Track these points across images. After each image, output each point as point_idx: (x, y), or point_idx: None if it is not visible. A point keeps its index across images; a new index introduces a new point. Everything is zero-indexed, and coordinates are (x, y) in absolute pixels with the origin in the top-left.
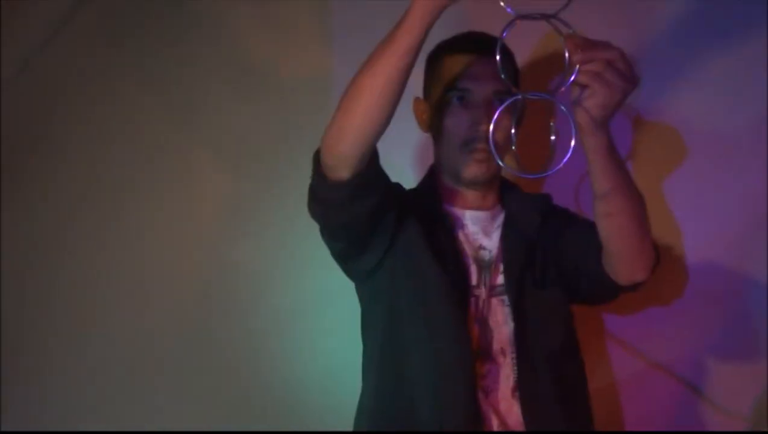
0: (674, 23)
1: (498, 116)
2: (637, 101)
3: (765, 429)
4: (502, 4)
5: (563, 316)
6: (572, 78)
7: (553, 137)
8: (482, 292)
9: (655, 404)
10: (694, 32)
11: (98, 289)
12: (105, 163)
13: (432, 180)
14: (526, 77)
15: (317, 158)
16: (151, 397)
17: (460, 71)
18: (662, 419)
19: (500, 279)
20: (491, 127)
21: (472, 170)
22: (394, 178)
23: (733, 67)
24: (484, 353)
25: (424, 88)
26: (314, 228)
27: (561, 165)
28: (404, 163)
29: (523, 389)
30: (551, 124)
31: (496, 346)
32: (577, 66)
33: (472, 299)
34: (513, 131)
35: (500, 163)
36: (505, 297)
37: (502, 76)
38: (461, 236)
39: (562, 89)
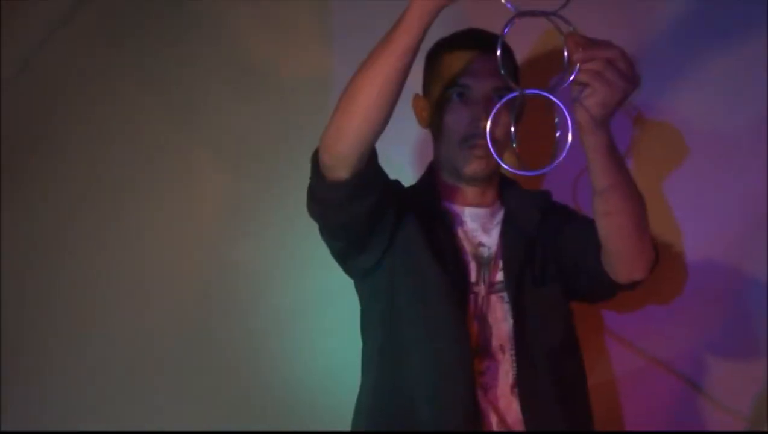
0: (674, 23)
1: (497, 112)
2: (637, 100)
3: (764, 427)
4: (503, 0)
5: (562, 313)
6: (572, 76)
7: (558, 133)
8: (481, 289)
9: (655, 401)
10: (694, 32)
11: (98, 289)
12: (105, 163)
13: (431, 177)
14: (525, 75)
15: (316, 158)
16: (150, 397)
17: (460, 68)
18: (661, 415)
19: (499, 276)
20: (489, 123)
21: (472, 166)
22: (393, 175)
23: (733, 67)
24: (483, 350)
25: (423, 85)
26: (314, 227)
27: (557, 163)
28: (403, 160)
29: (522, 386)
30: (555, 121)
31: (495, 343)
32: (578, 64)
33: (471, 296)
34: (513, 129)
35: (498, 160)
36: (505, 294)
37: (502, 72)
38: (460, 233)
39: (562, 87)
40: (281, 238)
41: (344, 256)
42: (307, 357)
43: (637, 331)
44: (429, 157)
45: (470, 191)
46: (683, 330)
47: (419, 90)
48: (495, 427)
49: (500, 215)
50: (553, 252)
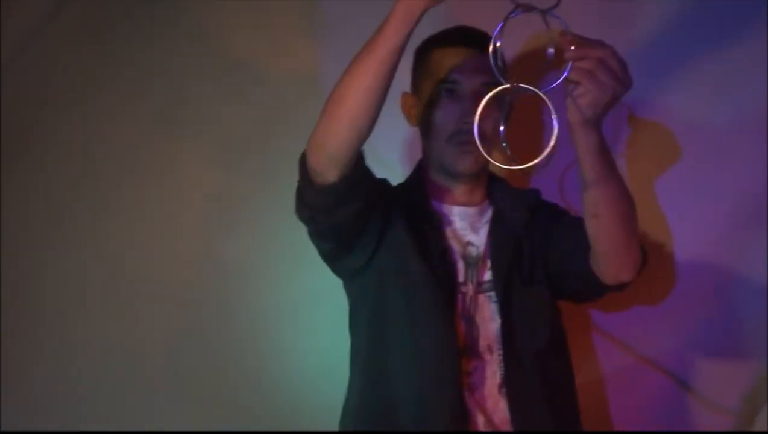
0: (667, 21)
1: (486, 109)
2: (630, 99)
3: (753, 425)
4: None
5: (550, 312)
6: (564, 75)
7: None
8: (469, 289)
9: (643, 399)
10: (687, 31)
11: (87, 289)
12: (92, 162)
13: (420, 175)
14: (515, 74)
15: (304, 161)
16: (139, 397)
17: (450, 64)
18: (650, 414)
19: (488, 275)
20: (477, 118)
21: (461, 163)
22: (383, 174)
23: (726, 67)
24: (471, 350)
25: (412, 83)
26: (303, 227)
27: (543, 156)
28: (393, 158)
29: (510, 385)
30: (553, 118)
31: (482, 343)
32: (570, 63)
33: (459, 296)
34: (502, 127)
35: (485, 154)
36: (492, 294)
37: (497, 64)
38: (449, 232)
39: (553, 86)
40: (270, 238)
41: (333, 257)
42: (297, 357)
43: (625, 329)
44: (419, 154)
45: (459, 190)
46: (672, 328)
47: (408, 88)
48: (482, 427)
49: (489, 214)
50: (542, 252)
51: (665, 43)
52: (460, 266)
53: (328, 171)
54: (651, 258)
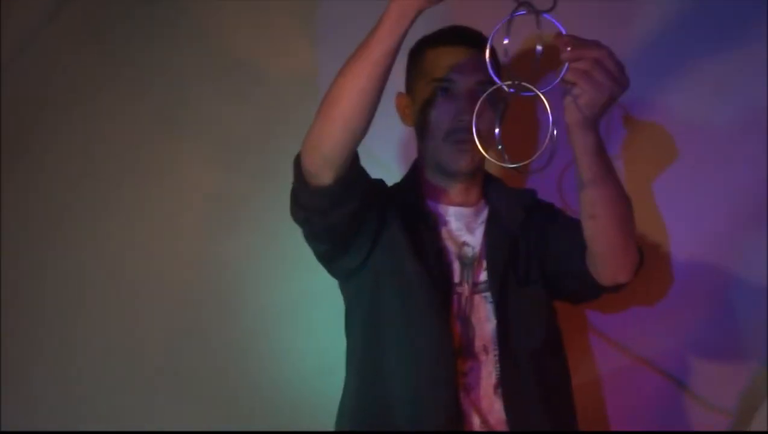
0: (668, 21)
1: (481, 107)
2: (629, 99)
3: (750, 425)
4: None
5: (546, 313)
6: (561, 75)
7: (555, 132)
8: (465, 289)
9: (640, 400)
10: (687, 31)
11: (87, 289)
12: (91, 162)
13: (415, 175)
14: (513, 73)
15: (298, 163)
16: (140, 397)
17: (444, 63)
18: (646, 414)
19: (483, 276)
20: (474, 116)
21: (457, 161)
22: (379, 174)
23: (724, 67)
24: (466, 350)
25: (406, 83)
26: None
27: (539, 154)
28: (389, 158)
29: (506, 386)
30: (550, 119)
31: (478, 343)
32: (566, 64)
33: (455, 296)
34: (497, 129)
35: (483, 152)
36: (488, 294)
37: (494, 64)
38: (444, 233)
39: (549, 87)
40: (270, 238)
41: (328, 259)
42: (295, 357)
43: (621, 330)
44: (414, 154)
45: (455, 189)
46: (669, 329)
47: (402, 88)
48: (477, 428)
49: (484, 214)
50: (538, 252)
51: (665, 43)
52: (456, 266)
53: (323, 172)
54: (648, 258)
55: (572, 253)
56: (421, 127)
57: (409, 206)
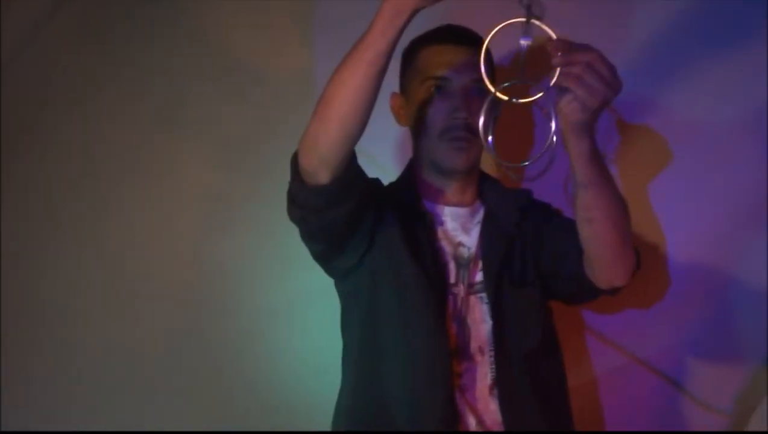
0: (668, 21)
1: (476, 105)
2: (631, 99)
3: (747, 426)
4: None
5: (542, 313)
6: (554, 80)
7: (555, 138)
8: (460, 290)
9: (636, 400)
10: (687, 31)
11: (87, 289)
12: (92, 162)
13: (411, 174)
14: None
15: (295, 162)
16: (140, 397)
17: (438, 61)
18: (643, 415)
19: (479, 276)
20: (482, 115)
21: (452, 159)
22: (375, 174)
23: (721, 70)
24: (462, 351)
25: (400, 83)
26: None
27: (537, 157)
28: (386, 158)
29: (501, 387)
30: (551, 126)
31: (473, 344)
32: (558, 69)
33: (450, 297)
34: (491, 133)
35: (485, 144)
36: (484, 295)
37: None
38: (440, 233)
39: (540, 95)
40: (269, 237)
41: (324, 258)
42: (291, 357)
43: (618, 330)
44: (410, 153)
45: (451, 189)
46: (665, 329)
47: (396, 88)
48: (473, 429)
49: (480, 214)
50: (533, 253)
51: (665, 43)
52: (452, 267)
53: (320, 172)
54: (645, 259)
55: (568, 254)
56: (416, 126)
57: (405, 205)
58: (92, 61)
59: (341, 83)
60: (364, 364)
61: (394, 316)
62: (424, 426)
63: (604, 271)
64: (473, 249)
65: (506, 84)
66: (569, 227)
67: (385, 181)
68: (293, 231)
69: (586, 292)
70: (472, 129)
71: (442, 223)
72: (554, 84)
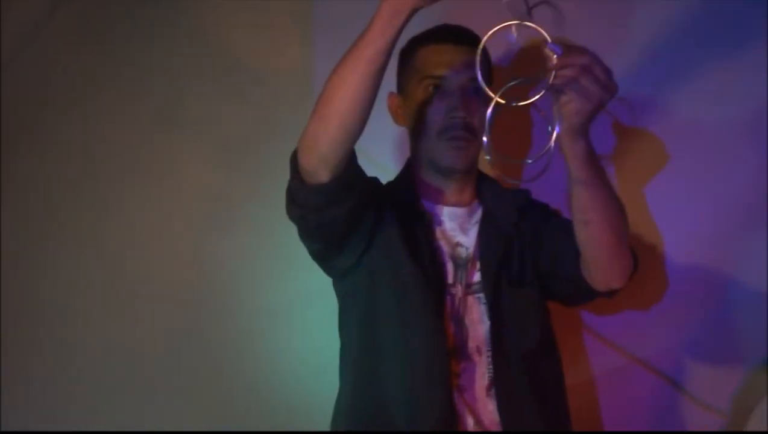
0: (669, 22)
1: (473, 104)
2: (632, 99)
3: (745, 425)
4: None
5: (540, 314)
6: (549, 82)
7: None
8: (458, 290)
9: (634, 400)
10: (688, 32)
11: (87, 289)
12: (92, 162)
13: (409, 174)
14: (503, 76)
15: (295, 161)
16: (140, 397)
17: (436, 60)
18: (641, 414)
19: (477, 276)
20: (489, 110)
21: (450, 158)
22: (374, 173)
23: (726, 67)
24: (460, 351)
25: (398, 83)
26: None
27: (537, 158)
28: (385, 157)
29: (499, 387)
30: (549, 128)
31: (471, 344)
32: (553, 71)
33: (448, 297)
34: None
35: (484, 142)
36: (482, 295)
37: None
38: (438, 233)
39: (536, 98)
40: (269, 237)
41: (323, 257)
42: (291, 357)
43: (616, 330)
44: (408, 153)
45: (449, 189)
46: (663, 329)
47: (394, 88)
48: (471, 428)
49: (478, 214)
50: (531, 254)
51: (665, 43)
52: (449, 267)
53: (320, 171)
54: (645, 260)
55: (565, 255)
56: (415, 126)
57: (404, 205)
58: (92, 61)
59: (341, 82)
60: (363, 364)
61: (393, 316)
62: (423, 426)
63: (601, 273)
64: (471, 250)
65: (506, 86)
66: (567, 228)
67: (384, 181)
68: (293, 232)
69: (583, 294)
70: (471, 128)
71: (440, 223)
72: (550, 86)
